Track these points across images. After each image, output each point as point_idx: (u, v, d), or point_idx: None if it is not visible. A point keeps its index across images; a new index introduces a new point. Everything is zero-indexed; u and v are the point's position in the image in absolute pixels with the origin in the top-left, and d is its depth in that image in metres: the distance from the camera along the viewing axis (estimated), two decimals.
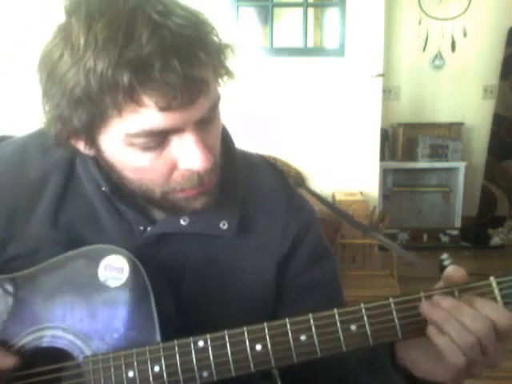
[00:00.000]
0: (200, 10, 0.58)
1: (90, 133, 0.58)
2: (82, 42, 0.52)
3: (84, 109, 0.54)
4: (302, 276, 0.75)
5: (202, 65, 0.54)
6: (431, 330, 0.55)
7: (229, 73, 0.61)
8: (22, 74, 2.96)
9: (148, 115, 0.54)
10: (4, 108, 3.08)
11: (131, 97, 0.52)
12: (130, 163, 0.59)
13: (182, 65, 0.51)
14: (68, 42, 0.53)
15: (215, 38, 0.57)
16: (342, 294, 0.80)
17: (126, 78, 0.51)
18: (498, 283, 0.56)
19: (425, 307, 0.56)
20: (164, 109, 0.53)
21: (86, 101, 0.53)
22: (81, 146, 0.61)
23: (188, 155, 0.58)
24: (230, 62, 0.60)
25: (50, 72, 0.55)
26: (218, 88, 0.61)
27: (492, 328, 0.54)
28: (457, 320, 0.54)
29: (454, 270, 0.58)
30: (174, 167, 0.59)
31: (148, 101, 0.53)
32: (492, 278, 0.57)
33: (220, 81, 0.61)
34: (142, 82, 0.51)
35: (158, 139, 0.57)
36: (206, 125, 0.59)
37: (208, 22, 0.57)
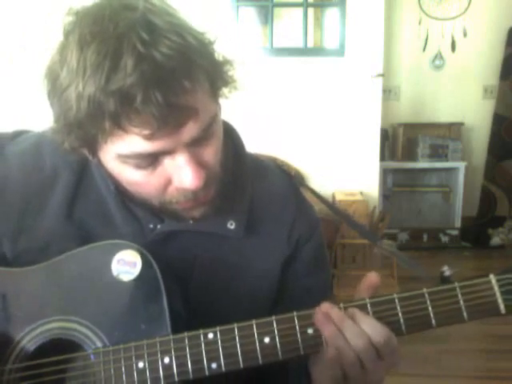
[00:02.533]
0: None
1: (88, 148, 0.61)
2: (74, 64, 0.53)
3: (76, 135, 0.57)
4: (298, 281, 0.75)
5: (187, 92, 0.54)
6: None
7: (232, 86, 0.61)
8: (21, 74, 2.96)
9: (135, 142, 0.55)
10: (4, 108, 3.08)
11: (117, 124, 0.53)
12: (126, 178, 0.61)
13: (164, 96, 0.52)
14: (64, 62, 0.55)
15: (209, 59, 0.57)
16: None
17: (111, 106, 0.52)
18: (498, 280, 0.58)
19: (319, 319, 0.59)
20: (149, 137, 0.54)
21: (76, 128, 0.55)
22: (86, 152, 0.63)
23: (180, 174, 0.59)
24: (232, 74, 0.61)
25: (52, 86, 0.57)
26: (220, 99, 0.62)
27: (369, 343, 0.56)
28: (343, 336, 0.57)
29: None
30: (168, 182, 0.61)
31: (133, 129, 0.54)
32: (492, 276, 0.58)
33: (225, 92, 0.62)
34: (126, 112, 0.52)
35: (150, 160, 0.58)
36: (200, 142, 0.60)
37: (200, 44, 0.56)
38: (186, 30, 0.56)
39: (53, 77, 0.56)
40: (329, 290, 0.80)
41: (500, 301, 0.58)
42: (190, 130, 0.56)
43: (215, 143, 0.63)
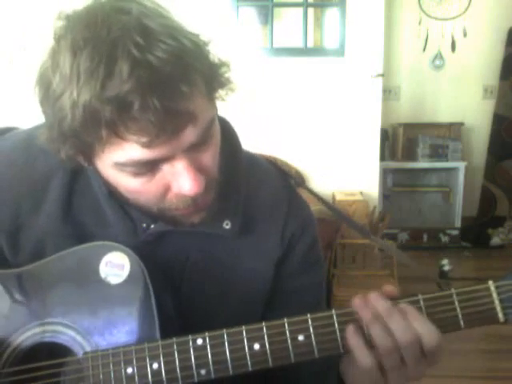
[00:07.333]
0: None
1: (84, 156, 0.59)
2: (67, 71, 0.52)
3: (72, 144, 0.56)
4: (291, 280, 0.75)
5: (185, 97, 0.53)
6: (349, 329, 0.58)
7: (228, 88, 0.61)
8: (21, 74, 2.96)
9: (132, 149, 0.54)
10: (3, 108, 3.08)
11: (115, 132, 0.52)
12: (124, 185, 0.60)
13: (161, 101, 0.50)
14: (56, 68, 0.53)
15: (205, 62, 0.56)
16: (324, 305, 0.80)
17: (107, 114, 0.50)
18: (497, 287, 0.57)
19: (357, 303, 0.58)
20: (147, 145, 0.53)
21: (72, 137, 0.54)
22: (80, 159, 0.62)
23: (179, 181, 0.58)
24: (229, 76, 0.60)
25: (44, 93, 0.56)
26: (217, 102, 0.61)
27: (417, 341, 0.56)
28: (382, 323, 0.56)
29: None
30: (167, 189, 0.59)
31: (131, 136, 0.52)
32: (490, 282, 0.57)
33: (221, 94, 0.61)
34: (123, 119, 0.51)
35: (148, 167, 0.57)
36: (199, 147, 0.58)
37: (195, 47, 0.55)
38: (181, 32, 0.55)
39: (45, 84, 0.55)
40: (322, 289, 0.79)
41: (499, 309, 0.57)
42: (189, 136, 0.55)
43: (213, 147, 0.62)
